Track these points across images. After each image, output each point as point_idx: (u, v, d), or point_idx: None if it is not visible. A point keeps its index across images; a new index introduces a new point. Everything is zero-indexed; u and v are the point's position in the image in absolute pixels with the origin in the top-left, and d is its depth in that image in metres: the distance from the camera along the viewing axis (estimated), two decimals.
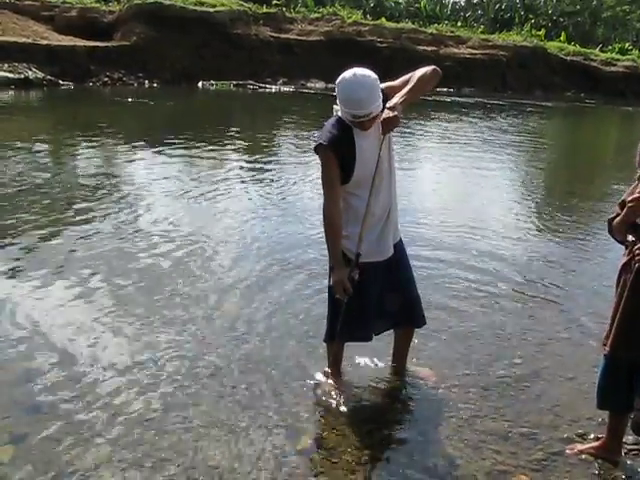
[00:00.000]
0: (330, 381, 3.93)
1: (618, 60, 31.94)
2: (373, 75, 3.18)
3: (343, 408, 3.74)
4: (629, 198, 2.94)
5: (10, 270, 5.39)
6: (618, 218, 3.03)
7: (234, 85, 22.77)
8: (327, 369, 3.97)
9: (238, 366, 4.12)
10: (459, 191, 9.40)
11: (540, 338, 4.79)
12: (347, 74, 3.16)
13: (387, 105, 3.17)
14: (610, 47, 35.72)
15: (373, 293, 3.57)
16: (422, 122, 16.36)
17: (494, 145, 13.93)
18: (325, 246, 3.42)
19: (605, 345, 3.19)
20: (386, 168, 3.37)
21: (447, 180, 10.09)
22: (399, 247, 3.60)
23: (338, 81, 3.18)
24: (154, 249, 6.04)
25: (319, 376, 4.01)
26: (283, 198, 8.17)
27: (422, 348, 4.47)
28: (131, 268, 5.57)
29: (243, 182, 8.98)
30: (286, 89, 23.20)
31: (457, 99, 21.88)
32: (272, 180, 9.20)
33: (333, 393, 3.86)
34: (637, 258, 2.93)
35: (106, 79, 20.77)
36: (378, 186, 3.33)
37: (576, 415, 3.81)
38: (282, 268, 5.71)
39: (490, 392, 4.02)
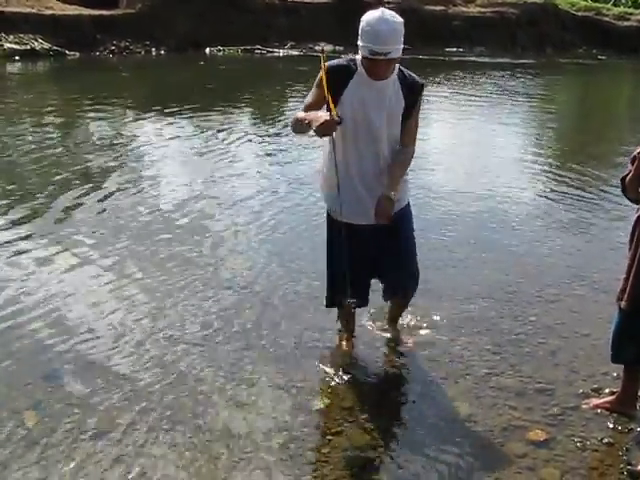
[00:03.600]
0: (344, 346, 3.98)
1: (632, 14, 31.26)
2: (400, 19, 3.16)
3: (357, 371, 3.77)
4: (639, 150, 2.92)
5: (27, 245, 5.43)
6: (630, 174, 3.01)
7: (241, 50, 22.55)
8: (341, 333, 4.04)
9: (252, 329, 4.17)
10: (471, 156, 9.34)
11: (554, 295, 4.80)
12: (375, 11, 3.15)
13: (386, 194, 3.23)
14: (623, 1, 34.95)
15: (365, 255, 3.56)
16: (435, 83, 16.15)
17: (504, 107, 13.77)
18: None
19: (620, 300, 3.19)
20: (380, 136, 3.30)
21: (457, 146, 10.00)
22: (401, 214, 3.51)
23: (363, 16, 3.15)
24: (164, 228, 6.03)
25: (335, 339, 4.05)
26: (295, 165, 8.11)
27: (434, 308, 4.49)
28: (149, 242, 5.60)
29: (260, 157, 8.83)
30: (294, 53, 22.95)
31: (467, 58, 21.58)
32: (282, 144, 9.16)
33: (347, 357, 3.89)
34: None
35: (113, 48, 20.60)
36: (362, 149, 3.32)
37: (591, 370, 3.83)
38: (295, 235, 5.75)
39: (505, 349, 4.04)
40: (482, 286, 4.90)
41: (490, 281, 5.00)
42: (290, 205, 6.62)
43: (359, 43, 3.13)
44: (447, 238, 5.85)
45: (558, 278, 5.10)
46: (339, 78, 3.23)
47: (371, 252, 3.59)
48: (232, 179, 7.52)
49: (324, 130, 3.02)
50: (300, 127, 3.22)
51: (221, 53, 22.18)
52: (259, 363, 3.80)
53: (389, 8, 3.25)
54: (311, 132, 3.09)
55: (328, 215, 3.61)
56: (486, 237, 5.93)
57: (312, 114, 3.13)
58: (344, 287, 3.51)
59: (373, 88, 3.28)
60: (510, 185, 7.66)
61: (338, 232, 3.45)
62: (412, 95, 3.32)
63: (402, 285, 3.78)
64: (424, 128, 10.50)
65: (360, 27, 3.13)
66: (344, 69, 3.27)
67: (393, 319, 4.14)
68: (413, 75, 3.37)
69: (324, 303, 3.89)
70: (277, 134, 10.04)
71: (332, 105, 3.07)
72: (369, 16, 3.11)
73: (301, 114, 3.23)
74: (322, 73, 3.13)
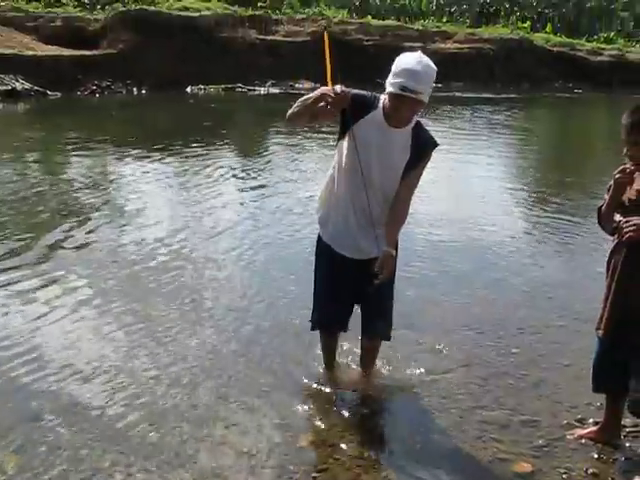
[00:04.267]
0: (325, 375, 3.99)
1: (604, 49, 32.01)
2: (435, 67, 3.19)
3: (341, 407, 3.76)
4: (615, 172, 2.98)
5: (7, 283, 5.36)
6: (606, 201, 3.06)
7: (223, 89, 22.75)
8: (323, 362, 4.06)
9: (234, 364, 4.15)
10: (452, 187, 9.47)
11: (536, 327, 4.84)
12: (413, 52, 3.22)
13: (387, 251, 3.25)
14: (596, 37, 35.78)
15: (346, 282, 3.59)
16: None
17: (488, 139, 13.99)
18: None
19: (598, 329, 3.23)
20: (374, 185, 3.32)
21: (441, 176, 10.01)
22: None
23: (400, 56, 3.20)
24: (145, 262, 5.99)
25: (316, 369, 4.06)
26: (276, 207, 8.11)
27: (417, 341, 4.51)
28: (128, 280, 5.59)
29: (233, 191, 8.92)
30: (275, 91, 23.18)
31: (448, 94, 21.93)
32: (265, 183, 9.24)
33: (329, 388, 3.89)
34: (624, 230, 2.93)
35: (94, 87, 20.70)
36: (359, 186, 3.29)
37: (575, 401, 3.85)
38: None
39: (489, 382, 4.06)
40: (465, 318, 4.93)
41: (473, 313, 5.04)
42: (273, 234, 6.78)
43: (389, 80, 3.15)
44: (429, 270, 5.90)
45: (540, 309, 5.15)
46: (358, 107, 3.23)
47: (352, 282, 3.61)
48: (216, 211, 7.62)
49: (337, 101, 3.07)
50: (302, 107, 3.22)
51: (202, 92, 22.35)
52: (241, 400, 3.78)
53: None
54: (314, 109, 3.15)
55: (319, 236, 3.67)
56: (468, 269, 6.00)
57: (317, 90, 3.18)
58: (330, 308, 3.61)
59: (385, 135, 3.28)
60: (492, 216, 7.76)
61: (325, 254, 3.56)
62: (421, 153, 3.32)
63: (373, 329, 3.78)
64: None
65: (394, 64, 3.17)
66: (365, 100, 3.29)
67: (366, 365, 4.07)
68: (428, 133, 3.38)
69: (310, 327, 3.89)
70: (261, 169, 10.14)
71: (330, 78, 3.09)
72: (407, 55, 3.17)
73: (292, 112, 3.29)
74: (325, 46, 3.15)
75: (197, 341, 4.47)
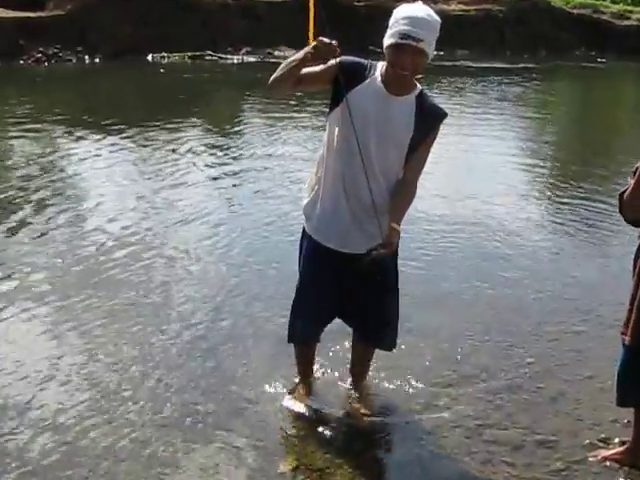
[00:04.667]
0: (305, 388, 4.01)
1: (632, 12, 32.18)
2: (439, 18, 3.23)
3: (327, 426, 3.76)
4: None
5: None
6: (630, 186, 3.05)
7: (189, 57, 22.66)
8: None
9: (204, 380, 4.14)
10: (460, 170, 9.51)
11: (554, 333, 4.88)
12: (409, 3, 3.26)
13: (392, 224, 3.23)
14: None
15: (331, 286, 3.59)
16: None
17: (492, 118, 13.99)
18: None
19: (624, 334, 3.24)
20: (372, 162, 3.30)
21: (445, 163, 9.98)
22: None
23: (396, 9, 3.23)
24: (108, 254, 6.00)
25: (300, 390, 4.04)
26: (255, 191, 8.14)
27: (417, 349, 4.53)
28: (84, 275, 5.57)
29: (206, 172, 8.96)
30: (251, 59, 23.12)
31: (448, 64, 21.92)
32: (238, 169, 9.21)
33: (313, 404, 3.90)
34: None
35: (39, 55, 20.54)
36: (355, 167, 3.28)
37: (598, 418, 3.88)
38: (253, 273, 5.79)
39: (499, 397, 4.08)
40: (472, 323, 4.96)
41: (481, 317, 5.07)
42: (252, 221, 6.89)
43: (387, 35, 3.19)
44: (432, 268, 5.92)
45: (557, 312, 5.19)
46: (351, 74, 3.26)
47: (338, 285, 3.59)
48: (187, 195, 7.71)
49: (323, 50, 3.13)
50: (287, 70, 3.25)
51: (166, 60, 22.26)
52: (214, 420, 3.77)
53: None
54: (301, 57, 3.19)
55: (304, 229, 3.66)
56: (476, 266, 6.03)
57: (303, 50, 3.23)
58: (311, 319, 3.66)
59: (384, 105, 3.28)
60: (504, 207, 7.79)
61: (309, 251, 3.58)
62: (426, 125, 3.31)
63: (376, 335, 3.80)
64: None
65: (392, 17, 3.21)
66: (359, 66, 3.32)
67: (357, 375, 4.10)
68: (435, 103, 3.39)
69: (287, 338, 3.90)
70: (237, 148, 10.17)
71: (311, 34, 3.20)
72: (405, 5, 3.21)
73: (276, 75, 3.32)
74: (310, 3, 3.26)
75: (165, 344, 4.49)
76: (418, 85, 3.32)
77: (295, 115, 12.38)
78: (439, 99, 15.53)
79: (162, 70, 20.06)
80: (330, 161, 3.41)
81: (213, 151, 9.97)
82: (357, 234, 3.42)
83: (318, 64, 3.27)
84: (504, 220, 7.30)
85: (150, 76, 19.43)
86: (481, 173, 9.53)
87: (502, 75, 20.54)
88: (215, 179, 8.56)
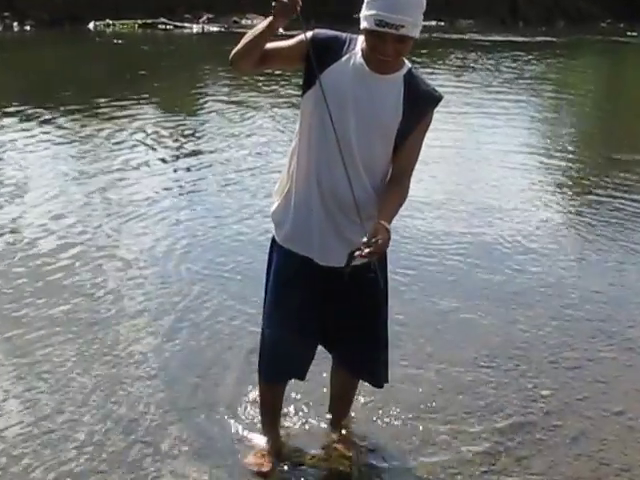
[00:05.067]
0: (270, 439, 3.89)
1: None
2: None
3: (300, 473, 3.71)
4: None
5: None
6: None
7: (139, 25, 22.64)
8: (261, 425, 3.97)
9: (155, 416, 4.09)
10: (464, 170, 9.51)
11: (574, 359, 4.87)
12: None
13: (383, 223, 3.12)
14: None
15: (305, 304, 3.51)
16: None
17: (504, 102, 14.09)
18: None
19: None
20: (354, 155, 3.25)
21: (445, 156, 10.04)
22: (365, 272, 3.31)
23: None
24: (51, 256, 6.02)
25: (253, 436, 3.95)
26: (222, 184, 8.18)
27: (410, 378, 4.50)
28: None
29: (163, 162, 9.00)
30: (213, 28, 23.14)
31: (449, 36, 22.02)
32: (195, 158, 9.22)
33: (266, 466, 3.76)
34: None
35: None
36: (333, 161, 3.21)
37: (627, 462, 3.86)
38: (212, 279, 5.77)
39: (509, 437, 4.05)
40: (477, 347, 4.94)
41: (488, 341, 5.05)
42: (216, 218, 6.97)
43: (362, 13, 3.12)
44: (426, 275, 5.93)
45: (578, 335, 5.18)
46: (324, 50, 3.21)
47: (320, 304, 3.53)
48: (139, 189, 7.80)
49: (282, 6, 3.06)
50: (250, 42, 3.20)
51: (111, 29, 22.21)
52: (167, 462, 3.72)
53: None
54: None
55: (273, 239, 3.59)
56: (482, 280, 6.01)
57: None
58: (289, 348, 3.54)
59: (366, 84, 3.23)
60: (516, 209, 7.82)
61: (281, 265, 3.53)
62: (417, 110, 3.25)
63: (363, 367, 3.75)
64: None
65: None
66: (334, 41, 3.26)
67: (338, 411, 4.05)
68: (428, 84, 3.34)
69: (260, 377, 3.81)
70: (197, 132, 10.19)
71: None
72: None
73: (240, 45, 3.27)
74: None
75: (114, 361, 4.49)
76: (406, 62, 3.26)
77: (269, 94, 12.39)
78: (442, 78, 15.67)
79: (119, 41, 19.99)
80: (303, 154, 3.34)
81: (171, 137, 10.00)
82: (336, 244, 3.32)
83: (287, 38, 3.24)
84: (516, 224, 7.33)
85: (92, 48, 19.40)
86: (489, 167, 9.56)
87: (516, 50, 20.66)
88: (174, 170, 8.62)
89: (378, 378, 3.78)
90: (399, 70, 3.24)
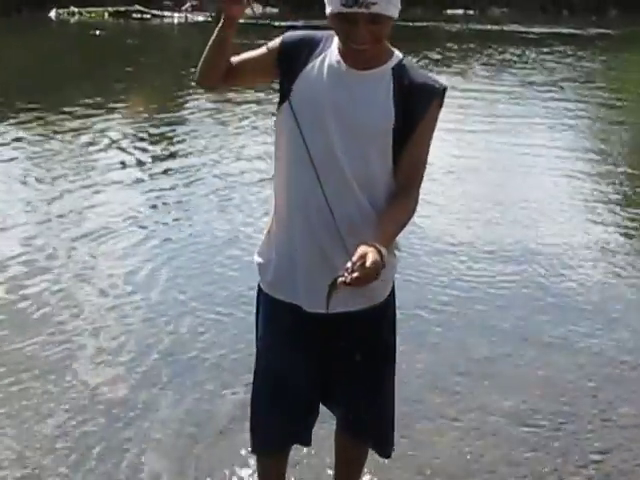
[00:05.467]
0: None
1: None
2: None
3: None
4: None
5: None
6: None
7: (110, 14, 22.77)
8: None
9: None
10: (500, 184, 9.53)
11: (632, 417, 4.82)
12: None
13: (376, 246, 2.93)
14: None
15: (299, 360, 3.46)
16: (428, 66, 16.43)
17: (547, 105, 14.15)
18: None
19: None
20: (343, 169, 3.16)
21: (478, 167, 10.06)
22: (378, 313, 3.40)
23: None
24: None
25: None
26: (202, 195, 8.28)
27: (440, 438, 4.47)
28: None
29: (135, 170, 9.12)
30: (199, 18, 23.26)
31: (482, 27, 22.12)
32: (172, 168, 9.32)
33: None
34: None
35: None
36: (312, 179, 3.10)
37: None
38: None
39: None
40: (514, 401, 4.88)
41: (527, 393, 4.99)
42: (200, 242, 7.00)
43: None
44: (458, 321, 5.88)
45: (636, 387, 5.14)
46: (293, 55, 3.19)
47: (315, 362, 3.47)
48: (104, 199, 7.95)
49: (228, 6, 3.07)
50: (210, 51, 3.20)
51: (76, 17, 22.33)
52: None
53: None
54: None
55: (259, 288, 3.54)
56: (519, 320, 5.97)
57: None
58: (285, 412, 3.47)
59: (345, 84, 3.16)
60: (561, 230, 7.85)
61: (269, 318, 3.47)
62: (413, 107, 3.16)
63: (363, 430, 3.69)
64: None
65: None
66: (306, 43, 3.22)
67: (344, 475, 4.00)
68: (425, 74, 3.25)
69: (250, 447, 3.74)
70: (172, 136, 10.36)
71: None
72: None
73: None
74: None
75: (76, 413, 4.52)
76: (395, 52, 3.19)
77: (258, 95, 12.40)
78: (480, 76, 15.73)
79: (97, 32, 20.10)
80: (282, 182, 3.30)
81: (154, 146, 10.16)
82: (324, 281, 3.02)
83: (255, 49, 3.23)
84: (560, 250, 7.32)
85: (56, 39, 19.46)
86: (528, 182, 9.61)
87: (565, 44, 20.67)
88: (148, 179, 8.76)
89: (383, 442, 3.74)
90: (385, 63, 3.14)
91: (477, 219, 8.12)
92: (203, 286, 6.19)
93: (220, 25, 3.11)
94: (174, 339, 5.44)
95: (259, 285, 3.50)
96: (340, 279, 2.79)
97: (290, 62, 3.16)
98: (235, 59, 3.23)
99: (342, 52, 3.13)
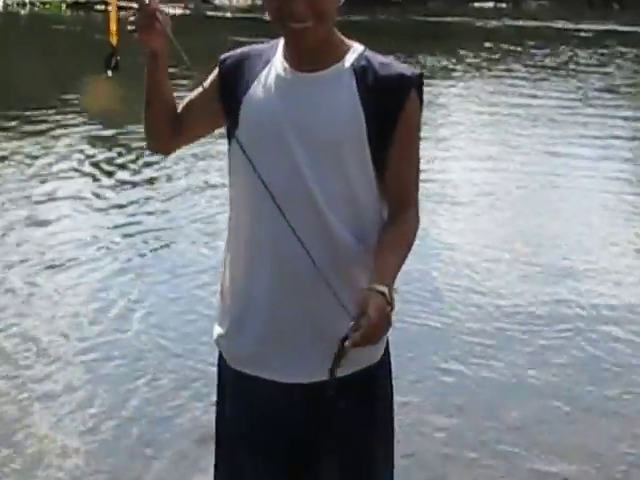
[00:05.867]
0: None
1: None
2: None
3: None
4: None
5: None
6: None
7: (67, 5, 22.96)
8: None
9: None
10: (544, 206, 9.48)
11: None
12: None
13: (376, 287, 2.83)
14: None
15: (273, 451, 3.26)
16: (450, 75, 16.64)
17: (608, 122, 14.05)
18: None
19: None
20: (312, 192, 3.03)
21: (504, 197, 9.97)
22: (368, 381, 3.15)
23: None
24: None
25: None
26: (185, 221, 8.22)
27: None
28: None
29: (95, 189, 9.08)
30: (175, 11, 23.45)
31: (514, 23, 22.23)
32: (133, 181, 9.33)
33: None
34: None
35: None
36: (279, 215, 2.95)
37: None
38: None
39: None
40: (563, 475, 4.80)
41: (578, 466, 4.90)
42: (187, 277, 6.96)
43: None
44: (478, 372, 5.80)
45: None
46: (237, 76, 3.13)
47: (292, 451, 3.25)
48: (51, 229, 7.92)
49: (139, 23, 2.90)
50: (146, 101, 3.11)
51: (27, 9, 22.54)
52: None
53: None
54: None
55: (220, 358, 3.32)
56: (568, 378, 5.84)
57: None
58: None
59: (295, 92, 3.09)
60: (617, 266, 7.79)
61: (233, 397, 3.29)
62: (385, 103, 3.06)
63: None
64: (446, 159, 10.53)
65: None
66: (245, 58, 3.16)
67: None
68: (392, 63, 3.15)
69: None
70: (145, 156, 10.35)
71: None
72: None
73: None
74: None
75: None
76: (354, 45, 3.12)
77: None
78: (522, 82, 15.80)
79: (55, 26, 20.27)
80: (242, 229, 3.18)
81: (118, 159, 10.27)
82: (308, 342, 3.06)
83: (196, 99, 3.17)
84: (616, 290, 7.23)
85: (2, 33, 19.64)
86: (581, 204, 9.64)
87: (621, 44, 20.87)
88: (114, 201, 8.76)
89: None
90: (339, 60, 3.06)
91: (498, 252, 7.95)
92: (184, 326, 6.19)
93: (148, 65, 3.04)
94: (152, 390, 5.47)
95: (219, 357, 3.31)
96: (347, 342, 2.68)
97: (232, 88, 3.14)
98: (181, 106, 3.14)
99: (286, 51, 3.07)
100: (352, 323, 2.69)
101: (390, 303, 2.78)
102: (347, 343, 2.68)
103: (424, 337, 5.82)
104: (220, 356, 3.31)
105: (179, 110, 3.14)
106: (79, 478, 4.73)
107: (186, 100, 3.15)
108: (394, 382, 3.18)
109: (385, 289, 2.80)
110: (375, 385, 3.22)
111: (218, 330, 3.28)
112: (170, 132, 3.18)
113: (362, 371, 3.10)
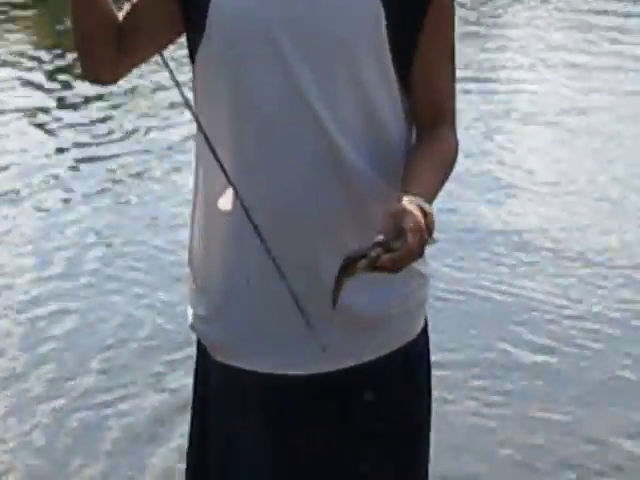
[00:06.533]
0: None
1: None
2: None
3: None
4: None
5: None
6: None
7: None
8: None
9: None
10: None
11: None
12: None
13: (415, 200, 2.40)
14: None
15: (260, 457, 2.84)
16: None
17: None
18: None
19: None
20: (315, 108, 2.52)
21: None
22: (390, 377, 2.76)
23: None
24: None
25: None
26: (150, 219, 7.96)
27: None
28: None
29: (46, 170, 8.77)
30: None
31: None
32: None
33: None
34: None
35: None
36: (277, 146, 2.55)
37: None
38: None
39: None
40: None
41: None
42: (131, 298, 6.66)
43: None
44: (552, 390, 5.60)
45: None
46: None
47: (284, 462, 2.88)
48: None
49: None
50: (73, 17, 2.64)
51: None
52: None
53: None
54: None
55: (198, 348, 3.01)
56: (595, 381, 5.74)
57: None
58: None
59: None
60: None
61: (220, 391, 2.91)
62: None
63: None
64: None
65: None
66: None
67: None
68: None
69: None
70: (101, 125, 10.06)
71: None
72: None
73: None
74: None
75: None
76: None
77: None
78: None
79: None
80: (211, 190, 2.71)
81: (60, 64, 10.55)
82: (288, 326, 2.58)
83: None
84: None
85: None
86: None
87: None
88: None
89: None
90: None
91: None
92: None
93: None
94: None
95: (198, 347, 2.97)
96: (363, 261, 2.18)
97: None
98: (122, 14, 2.68)
99: None
100: (379, 238, 2.19)
101: (429, 225, 2.31)
102: (362, 263, 2.18)
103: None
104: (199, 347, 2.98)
105: (121, 19, 2.66)
106: None
107: (128, 5, 2.68)
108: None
109: (427, 206, 2.37)
110: (414, 372, 2.85)
111: (194, 312, 2.86)
112: (112, 50, 2.66)
113: (395, 353, 2.70)
